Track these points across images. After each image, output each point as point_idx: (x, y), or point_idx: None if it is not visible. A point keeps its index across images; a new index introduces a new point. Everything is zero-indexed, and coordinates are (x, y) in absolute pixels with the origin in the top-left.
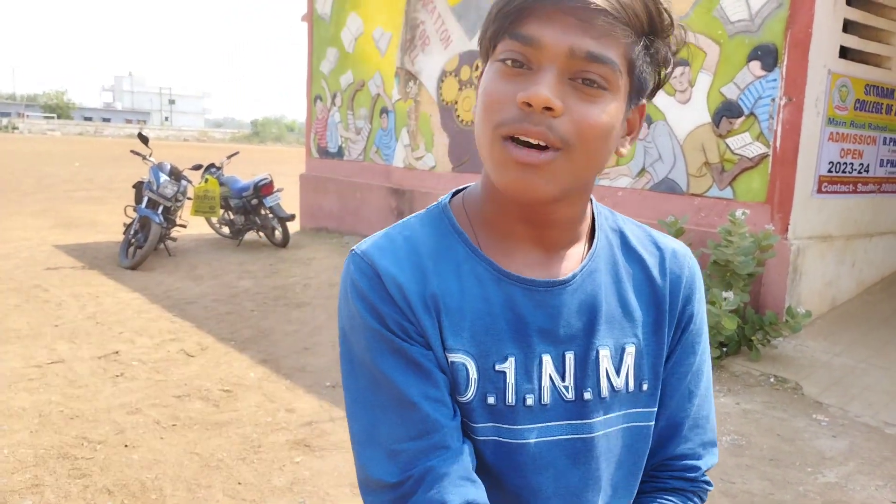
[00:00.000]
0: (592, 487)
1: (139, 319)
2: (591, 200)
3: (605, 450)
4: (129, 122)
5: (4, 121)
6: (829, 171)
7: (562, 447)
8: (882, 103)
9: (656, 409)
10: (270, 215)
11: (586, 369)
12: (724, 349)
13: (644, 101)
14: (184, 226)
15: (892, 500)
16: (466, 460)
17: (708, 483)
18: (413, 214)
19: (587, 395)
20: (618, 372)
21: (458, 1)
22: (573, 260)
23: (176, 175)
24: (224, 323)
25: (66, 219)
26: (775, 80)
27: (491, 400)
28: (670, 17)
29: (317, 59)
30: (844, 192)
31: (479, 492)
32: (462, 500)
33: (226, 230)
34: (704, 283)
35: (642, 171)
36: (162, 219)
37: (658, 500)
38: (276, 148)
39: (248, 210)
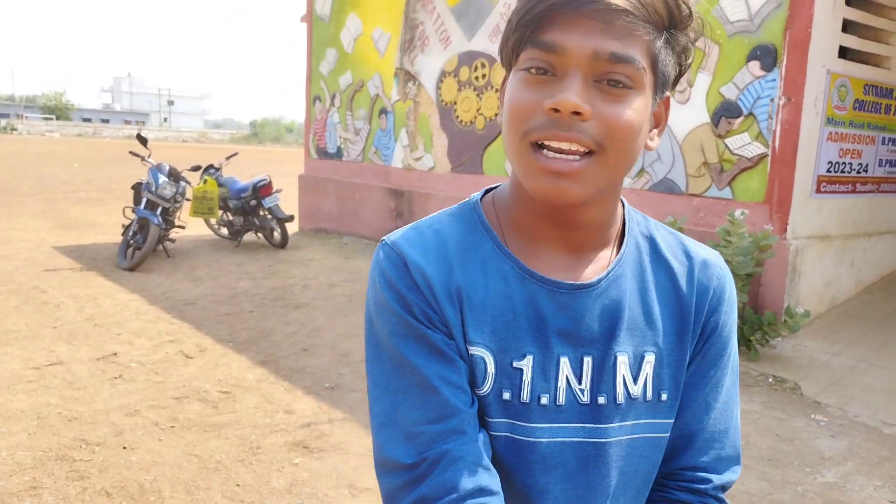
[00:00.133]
0: (600, 493)
1: (138, 321)
2: (624, 204)
3: (618, 457)
4: (127, 123)
5: (3, 122)
6: (828, 170)
7: (573, 449)
8: (881, 103)
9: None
10: (269, 216)
11: (603, 374)
12: None
13: (668, 93)
14: (182, 227)
15: (890, 500)
16: (481, 448)
17: (720, 501)
18: (445, 209)
19: (601, 400)
20: (635, 379)
21: (457, 1)
22: (600, 264)
23: (175, 176)
24: (223, 324)
25: (65, 220)
26: (774, 80)
27: (506, 395)
28: (689, 7)
29: (316, 60)
30: (843, 192)
31: (492, 479)
32: (474, 486)
33: (224, 231)
34: None
35: (641, 171)
36: (161, 220)
37: None
38: (275, 149)
39: (247, 211)
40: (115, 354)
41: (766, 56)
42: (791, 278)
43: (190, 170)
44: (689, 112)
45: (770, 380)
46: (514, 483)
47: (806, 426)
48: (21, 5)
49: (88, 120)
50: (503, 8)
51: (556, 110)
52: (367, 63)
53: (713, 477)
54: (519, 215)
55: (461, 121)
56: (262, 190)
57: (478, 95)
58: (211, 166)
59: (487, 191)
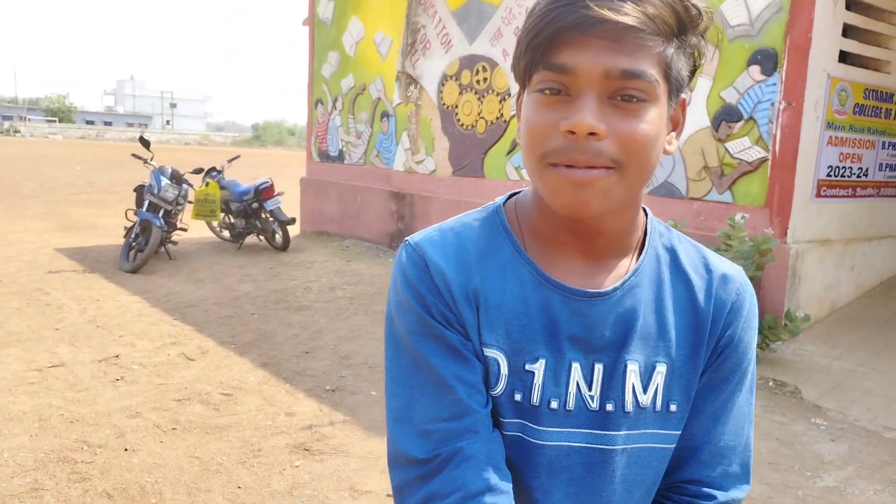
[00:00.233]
0: (603, 499)
1: (140, 323)
2: (647, 214)
3: (623, 465)
4: (130, 125)
5: (6, 124)
6: (829, 175)
7: (579, 454)
8: (881, 107)
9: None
10: (271, 219)
11: (612, 381)
12: None
13: (684, 95)
14: (184, 229)
15: None
16: (494, 447)
17: None
18: (470, 211)
19: (609, 407)
20: (645, 389)
21: (458, 5)
22: (618, 272)
23: (177, 178)
24: (224, 326)
25: (67, 222)
26: (775, 84)
27: (518, 397)
28: (696, 7)
29: (318, 63)
30: (843, 197)
31: (503, 478)
32: (484, 484)
33: (226, 234)
34: None
35: None
36: (163, 222)
37: None
38: (277, 151)
39: (249, 213)
40: (117, 356)
41: (766, 60)
42: (791, 282)
43: (192, 172)
44: (690, 116)
45: (770, 383)
46: (520, 483)
47: (806, 430)
48: (24, 8)
49: (91, 122)
50: (504, 12)
51: (572, 132)
52: (368, 66)
53: (717, 493)
54: (539, 222)
55: (462, 124)
56: (264, 192)
57: (479, 99)
58: (213, 169)
59: (512, 195)
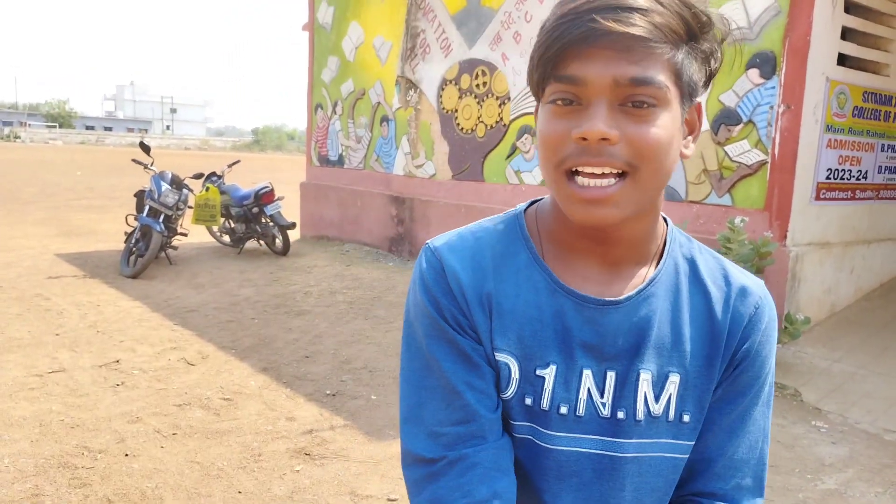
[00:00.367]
0: None
1: (140, 328)
2: (668, 224)
3: (635, 473)
4: (130, 130)
5: (7, 130)
6: (828, 177)
7: (589, 460)
8: (880, 110)
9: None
10: (271, 223)
11: (624, 390)
12: None
13: (698, 99)
14: (185, 234)
15: None
16: (501, 453)
17: None
18: (492, 216)
19: (621, 415)
20: (657, 398)
21: (458, 10)
22: (634, 281)
23: (177, 184)
24: (225, 331)
25: (67, 227)
26: (774, 87)
27: (528, 401)
28: (707, 15)
29: (318, 68)
30: (843, 199)
31: (508, 486)
32: (490, 492)
33: (226, 238)
34: None
35: None
36: (163, 227)
37: None
38: (277, 156)
39: (249, 218)
40: (118, 362)
41: (765, 64)
42: (791, 285)
43: (192, 177)
44: None
45: None
46: (530, 486)
47: (806, 433)
48: (24, 14)
49: (91, 128)
50: (503, 16)
51: (585, 138)
52: (368, 71)
53: None
54: (557, 229)
55: (462, 128)
56: (265, 197)
57: (479, 103)
58: (213, 174)
59: (534, 202)
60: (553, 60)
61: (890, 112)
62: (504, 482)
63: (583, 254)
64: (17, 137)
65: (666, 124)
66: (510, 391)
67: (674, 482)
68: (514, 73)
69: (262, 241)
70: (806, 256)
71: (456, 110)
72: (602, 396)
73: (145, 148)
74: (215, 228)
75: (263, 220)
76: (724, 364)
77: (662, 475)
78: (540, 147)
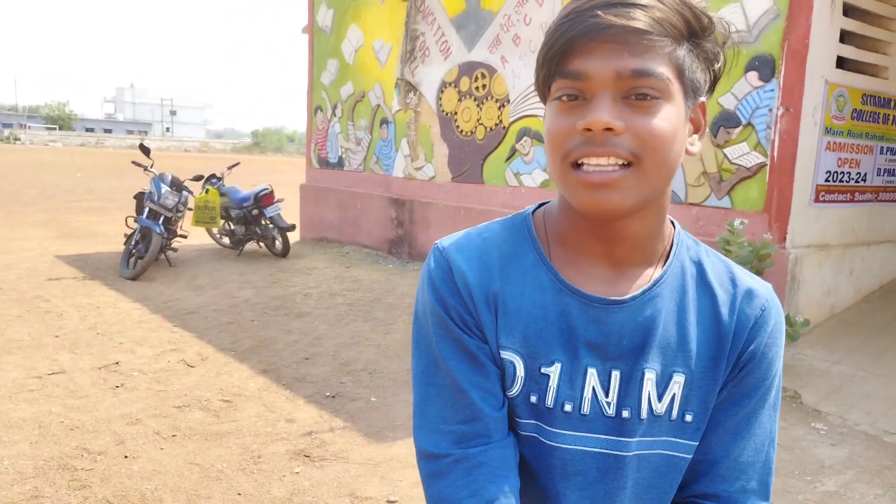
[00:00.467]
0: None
1: (140, 330)
2: (675, 226)
3: (636, 470)
4: (130, 133)
5: (6, 132)
6: (827, 180)
7: (593, 458)
8: (879, 113)
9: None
10: (271, 225)
11: (629, 388)
12: None
13: (703, 98)
14: (184, 236)
15: None
16: (506, 452)
17: None
18: (500, 218)
19: (626, 414)
20: (660, 397)
21: (457, 12)
22: (640, 282)
23: (177, 186)
24: (224, 333)
25: (67, 229)
26: (773, 90)
27: (533, 399)
28: (708, 17)
29: (317, 71)
30: (842, 202)
31: (512, 486)
32: (497, 491)
33: (226, 240)
34: None
35: None
36: (163, 229)
37: None
38: (277, 158)
39: (249, 220)
40: (117, 363)
41: (764, 67)
42: (790, 287)
43: (192, 179)
44: None
45: None
46: (536, 484)
47: (806, 435)
48: (24, 16)
49: (91, 130)
50: (503, 19)
51: (589, 129)
52: (368, 74)
53: None
54: (564, 228)
55: (462, 130)
56: (264, 199)
57: (478, 105)
58: (213, 176)
59: (542, 204)
60: (557, 57)
61: (889, 115)
62: (510, 481)
63: (589, 254)
64: (16, 139)
65: (669, 116)
66: (515, 389)
67: (676, 482)
68: (514, 76)
69: (261, 243)
70: (805, 258)
71: (455, 113)
72: (607, 396)
73: (145, 150)
74: (215, 230)
75: (263, 222)
76: (730, 365)
77: (663, 474)
78: (547, 143)
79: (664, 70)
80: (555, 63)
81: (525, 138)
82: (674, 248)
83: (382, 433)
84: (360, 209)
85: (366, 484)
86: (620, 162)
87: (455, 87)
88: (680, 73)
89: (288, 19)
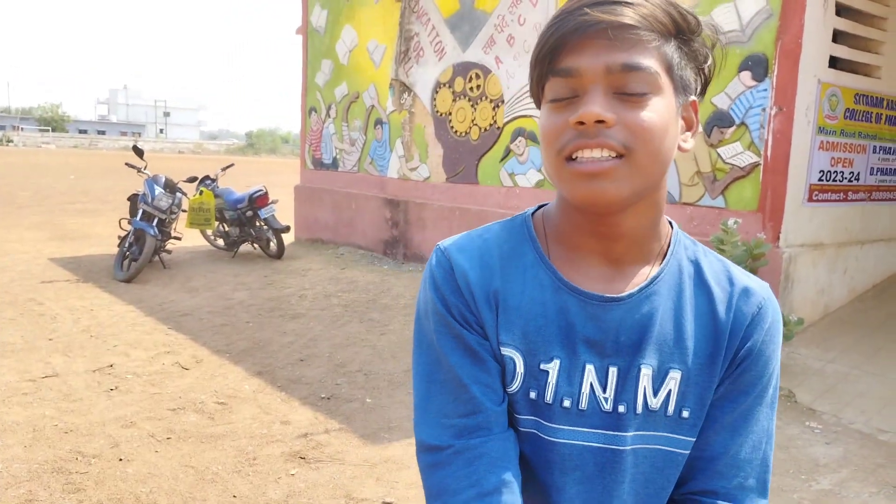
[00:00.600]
0: (615, 498)
1: (134, 332)
2: (673, 226)
3: (633, 465)
4: (124, 134)
5: None
6: (820, 179)
7: (591, 453)
8: (871, 112)
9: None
10: (265, 227)
11: (626, 384)
12: None
13: (694, 97)
14: (178, 238)
15: None
16: (507, 444)
17: None
18: (500, 220)
19: (621, 409)
20: (655, 392)
21: (451, 13)
22: (638, 279)
23: (171, 187)
24: (219, 335)
25: (61, 231)
26: (766, 90)
27: (532, 395)
28: (695, 17)
29: (312, 71)
30: (835, 201)
31: (513, 477)
32: (497, 482)
33: (220, 242)
34: None
35: None
36: (157, 231)
37: None
38: (271, 159)
39: (243, 222)
40: (111, 366)
41: (757, 66)
42: (784, 286)
43: (186, 181)
44: None
45: None
46: (535, 478)
47: (801, 433)
48: (16, 18)
49: (85, 132)
50: (497, 19)
51: (582, 123)
52: (362, 74)
53: None
54: (563, 228)
55: (456, 131)
56: (259, 201)
57: (472, 106)
58: (207, 177)
59: (541, 206)
60: (549, 56)
61: (881, 114)
62: (510, 473)
63: (587, 252)
64: (9, 141)
65: (660, 110)
66: (515, 385)
67: (673, 477)
68: (508, 76)
69: (256, 245)
70: (799, 257)
71: (450, 113)
72: (605, 391)
73: (139, 152)
74: (209, 232)
75: (257, 224)
76: (727, 362)
77: (660, 469)
78: (542, 141)
79: (652, 64)
80: (546, 62)
81: (520, 138)
82: (671, 247)
83: (378, 434)
84: (355, 210)
85: (361, 485)
86: (613, 154)
87: (449, 87)
88: (668, 68)
89: (284, 20)
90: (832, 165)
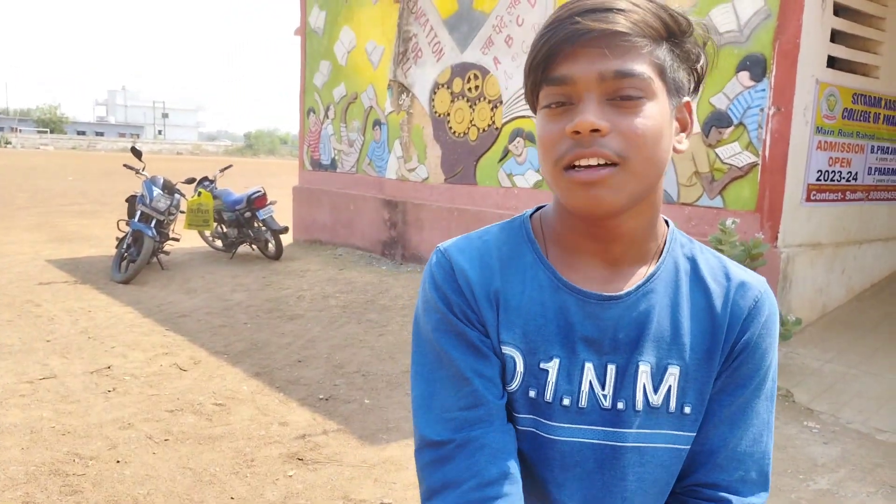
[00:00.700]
0: (616, 495)
1: (132, 334)
2: (669, 225)
3: (635, 462)
4: (122, 135)
5: None
6: (818, 179)
7: (591, 450)
8: (869, 112)
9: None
10: (264, 228)
11: (624, 381)
12: None
13: (688, 98)
14: (177, 239)
15: None
16: (508, 438)
17: None
18: (498, 222)
19: (621, 406)
20: (656, 389)
21: (450, 14)
22: (635, 278)
23: (169, 189)
24: (217, 336)
25: (59, 233)
26: (764, 90)
27: (532, 394)
28: (686, 19)
29: (310, 72)
30: (833, 200)
31: (514, 468)
32: (498, 473)
33: (219, 243)
34: None
35: None
36: (155, 232)
37: None
38: (270, 160)
39: (242, 223)
40: (109, 367)
41: (755, 66)
42: (783, 286)
43: (184, 182)
44: None
45: None
46: (535, 476)
47: (799, 433)
48: (15, 19)
49: (83, 133)
50: (495, 20)
51: (577, 132)
52: (360, 75)
53: (734, 498)
54: (560, 230)
55: (454, 132)
56: (257, 202)
57: (471, 107)
58: (205, 178)
59: (539, 208)
60: (542, 64)
61: (879, 114)
62: (512, 464)
63: (585, 254)
64: (7, 143)
65: (653, 115)
66: (515, 384)
67: (675, 473)
68: (506, 77)
69: (254, 246)
70: (797, 257)
71: (448, 114)
72: (603, 389)
73: (137, 153)
74: (208, 233)
75: (256, 225)
76: (724, 356)
77: (664, 465)
78: (539, 149)
79: (645, 69)
80: (540, 70)
81: (518, 139)
82: (667, 245)
83: (376, 436)
84: (354, 211)
85: (359, 487)
86: (609, 162)
87: (448, 88)
88: (661, 72)
89: (282, 21)
90: (830, 165)
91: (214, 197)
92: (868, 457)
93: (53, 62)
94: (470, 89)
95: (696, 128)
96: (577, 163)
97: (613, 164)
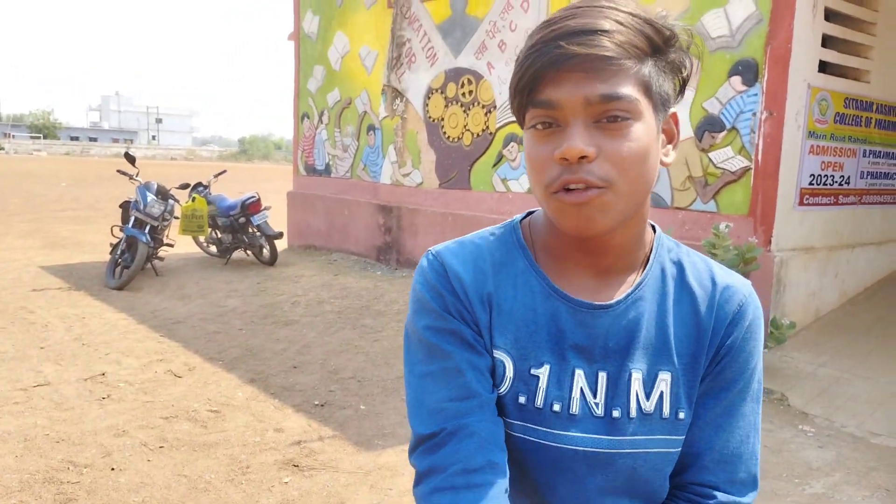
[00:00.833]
0: (607, 498)
1: (126, 340)
2: (655, 230)
3: (628, 467)
4: (116, 141)
5: None
6: (811, 183)
7: (582, 456)
8: (861, 116)
9: None
10: (258, 233)
11: (617, 389)
12: None
13: (674, 109)
14: (171, 245)
15: None
16: (497, 429)
17: None
18: (489, 227)
19: (616, 413)
20: (648, 396)
21: (443, 19)
22: (623, 287)
23: (163, 194)
24: (212, 342)
25: (52, 239)
26: (756, 94)
27: (522, 399)
28: (669, 29)
29: (304, 77)
30: (826, 205)
31: (502, 457)
32: (485, 461)
33: (213, 249)
34: None
35: None
36: (149, 238)
37: None
38: (264, 166)
39: (236, 228)
40: (103, 374)
41: (747, 71)
42: (776, 290)
43: (178, 187)
44: None
45: None
46: (526, 478)
47: (793, 437)
48: (7, 24)
49: (76, 138)
50: (489, 25)
51: (566, 159)
52: (354, 80)
53: (721, 496)
54: (550, 239)
55: (448, 137)
56: (251, 207)
57: (465, 112)
58: (199, 184)
59: (529, 213)
60: (528, 88)
61: (871, 118)
62: (499, 454)
63: (574, 263)
64: (0, 149)
65: (640, 136)
66: (503, 388)
67: (667, 475)
68: (500, 82)
69: (249, 252)
70: (790, 261)
71: (442, 119)
72: (595, 396)
73: (130, 158)
74: (202, 239)
75: (250, 230)
76: (708, 359)
77: (658, 469)
78: (528, 170)
79: (631, 91)
80: (526, 93)
81: (512, 144)
82: (654, 251)
83: (372, 441)
84: (348, 216)
85: (355, 493)
86: (597, 186)
87: (442, 93)
88: (647, 90)
89: (276, 25)
90: (823, 169)
91: (209, 202)
92: (863, 460)
93: (48, 65)
94: (464, 94)
95: (690, 132)
96: (564, 188)
97: (601, 187)
